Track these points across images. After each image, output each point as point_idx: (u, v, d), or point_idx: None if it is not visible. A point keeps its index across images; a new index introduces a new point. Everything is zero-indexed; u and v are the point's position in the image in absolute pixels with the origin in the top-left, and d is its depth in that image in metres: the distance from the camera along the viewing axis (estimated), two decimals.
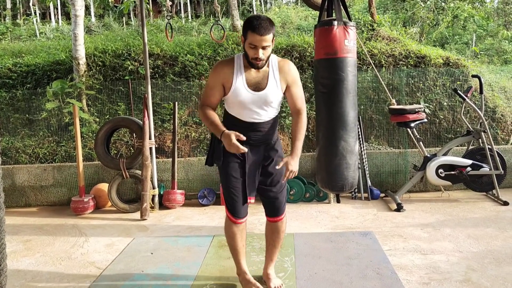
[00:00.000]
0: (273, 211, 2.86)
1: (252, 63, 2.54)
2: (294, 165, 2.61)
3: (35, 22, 10.96)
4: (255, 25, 2.43)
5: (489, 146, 4.92)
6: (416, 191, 5.37)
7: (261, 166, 2.79)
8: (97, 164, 5.40)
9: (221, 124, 2.59)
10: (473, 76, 5.38)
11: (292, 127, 2.75)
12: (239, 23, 7.48)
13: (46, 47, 7.36)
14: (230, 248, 2.92)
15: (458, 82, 5.89)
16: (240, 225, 2.81)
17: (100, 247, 3.91)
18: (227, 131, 2.53)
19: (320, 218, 4.55)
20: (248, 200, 2.74)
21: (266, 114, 2.68)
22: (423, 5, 9.78)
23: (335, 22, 3.41)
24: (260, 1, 13.17)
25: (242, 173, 2.72)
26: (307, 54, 6.06)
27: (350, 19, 3.61)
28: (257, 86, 2.60)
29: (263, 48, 2.47)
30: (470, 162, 4.87)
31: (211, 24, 7.28)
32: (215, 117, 2.63)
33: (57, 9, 12.76)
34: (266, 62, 2.56)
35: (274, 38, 2.56)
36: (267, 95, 2.61)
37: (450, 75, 5.94)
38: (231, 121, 2.71)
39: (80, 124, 5.20)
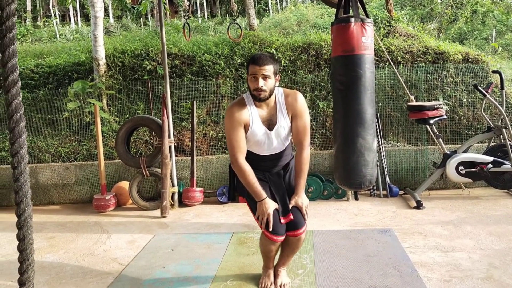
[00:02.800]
0: (292, 225, 2.70)
1: (254, 95, 2.59)
2: (301, 201, 2.71)
3: (55, 24, 11.16)
4: (255, 57, 2.56)
5: (511, 143, 4.85)
6: (435, 189, 5.32)
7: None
8: (117, 162, 5.50)
9: (261, 189, 2.64)
10: (494, 71, 5.31)
11: (295, 161, 2.76)
12: (256, 22, 7.50)
13: (67, 48, 7.50)
14: (263, 255, 2.92)
15: (478, 79, 5.82)
16: (277, 243, 2.73)
17: (122, 244, 3.99)
18: (267, 199, 2.62)
19: (338, 215, 4.56)
20: (283, 220, 2.66)
21: (281, 146, 2.78)
22: (440, 1, 9.66)
23: (352, 19, 3.40)
24: (276, 0, 13.17)
25: (269, 190, 2.76)
26: (324, 51, 6.05)
27: (367, 16, 3.60)
28: (269, 123, 2.68)
29: (263, 78, 2.52)
30: (491, 159, 4.81)
31: (228, 23, 7.33)
32: (255, 178, 2.64)
33: (76, 11, 12.97)
34: (269, 94, 2.59)
35: (278, 73, 2.61)
36: (279, 130, 2.68)
37: (470, 71, 5.87)
38: (251, 157, 2.74)
39: (100, 124, 5.30)
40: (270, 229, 2.61)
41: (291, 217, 2.67)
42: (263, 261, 3.01)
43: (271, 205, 2.62)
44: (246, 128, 2.65)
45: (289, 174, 2.85)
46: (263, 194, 2.63)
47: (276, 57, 2.70)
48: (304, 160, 2.70)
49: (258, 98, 2.59)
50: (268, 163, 2.80)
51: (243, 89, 5.94)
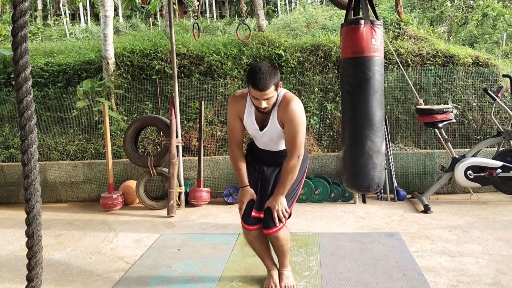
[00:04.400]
0: (264, 223, 2.75)
1: (257, 108, 2.62)
2: (275, 204, 2.68)
3: (65, 22, 11.24)
4: (255, 80, 2.46)
5: None
6: (443, 193, 5.29)
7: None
8: (125, 161, 5.52)
9: (245, 177, 2.78)
10: (504, 76, 5.27)
11: (282, 167, 2.70)
12: (264, 23, 7.50)
13: (77, 47, 7.55)
14: (252, 249, 2.99)
15: (488, 83, 5.77)
16: (251, 231, 2.78)
17: (129, 243, 4.00)
18: (247, 188, 2.77)
19: (345, 218, 4.54)
20: (254, 213, 2.73)
21: (277, 146, 2.81)
22: (450, 4, 9.60)
23: (362, 21, 3.39)
24: (285, 1, 13.18)
25: (257, 181, 2.84)
26: (332, 53, 6.04)
27: (377, 18, 3.59)
28: (262, 124, 2.71)
29: (265, 99, 2.52)
30: (500, 163, 4.76)
31: (237, 24, 7.33)
32: (242, 166, 2.79)
33: (86, 10, 13.05)
34: (272, 106, 2.61)
35: (279, 84, 2.58)
36: (269, 132, 2.70)
37: (480, 75, 5.83)
38: (253, 145, 2.90)
39: (109, 123, 5.32)
40: (241, 216, 2.78)
41: (261, 215, 2.74)
42: (260, 259, 3.03)
43: (248, 195, 2.77)
44: (242, 119, 2.75)
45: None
46: (246, 182, 2.78)
47: (275, 66, 2.63)
48: (287, 168, 2.65)
49: (262, 112, 2.64)
50: (265, 156, 2.87)
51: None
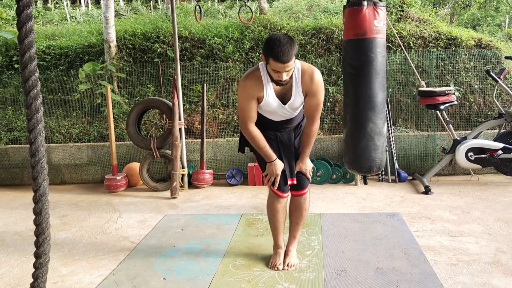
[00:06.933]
0: (297, 185, 2.93)
1: (276, 82, 2.58)
2: (305, 167, 2.91)
3: (65, 6, 11.16)
4: (277, 53, 2.41)
5: None
6: (444, 174, 5.32)
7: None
8: (128, 144, 5.56)
9: (271, 151, 2.80)
10: (507, 57, 5.25)
11: (303, 131, 2.89)
12: (266, 6, 7.45)
13: (78, 30, 7.52)
14: (271, 224, 3.06)
15: (490, 65, 5.75)
16: (283, 199, 2.93)
17: (133, 223, 4.06)
18: (277, 161, 2.80)
19: (346, 199, 4.58)
20: (290, 181, 2.88)
21: (295, 114, 2.84)
22: None
23: (365, 2, 3.38)
24: None
25: (278, 150, 2.88)
26: (334, 36, 6.02)
27: None
28: (283, 98, 2.70)
29: (286, 71, 2.49)
30: (501, 145, 4.78)
31: (239, 7, 7.28)
32: (265, 142, 2.79)
33: None
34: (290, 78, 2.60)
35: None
36: (293, 104, 2.73)
37: (482, 57, 5.80)
38: (263, 120, 2.84)
39: (111, 105, 5.34)
40: (276, 187, 2.85)
41: (295, 181, 2.89)
42: (272, 237, 3.09)
43: (279, 167, 2.82)
44: (259, 100, 2.70)
45: (299, 137, 2.95)
46: (273, 156, 2.80)
47: (291, 37, 2.62)
48: (312, 132, 2.83)
49: (281, 85, 2.60)
50: (279, 126, 2.89)
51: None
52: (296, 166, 2.90)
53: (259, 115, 2.80)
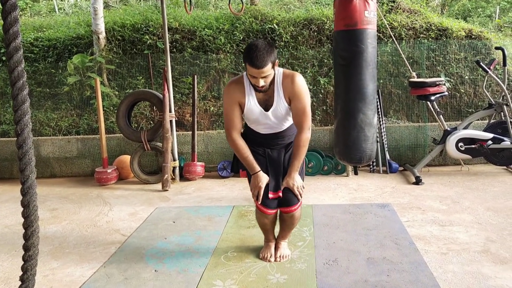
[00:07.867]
0: (284, 201, 2.81)
1: (254, 87, 2.59)
2: (293, 182, 2.73)
3: None
4: (252, 58, 2.43)
5: (511, 120, 4.85)
6: (435, 165, 5.36)
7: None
8: (119, 136, 5.52)
9: (255, 163, 2.73)
10: (497, 48, 5.28)
11: (293, 142, 2.77)
12: None
13: (66, 22, 7.41)
14: (260, 227, 3.03)
15: (481, 56, 5.78)
16: (269, 215, 2.84)
17: (124, 216, 4.04)
18: (260, 173, 2.72)
19: (338, 190, 4.60)
20: (271, 195, 2.76)
21: (282, 126, 2.78)
22: None
23: None
24: None
25: (265, 166, 2.81)
26: (326, 27, 6.00)
27: None
28: (266, 105, 2.68)
29: (263, 78, 2.49)
30: (491, 135, 4.82)
31: None
32: (248, 152, 2.73)
33: None
34: (270, 85, 2.58)
35: (276, 62, 2.55)
36: (276, 111, 2.68)
37: (473, 48, 5.82)
38: (251, 133, 2.83)
39: (101, 98, 5.28)
40: (259, 202, 2.75)
41: (280, 194, 2.77)
42: (263, 234, 3.08)
43: (263, 179, 2.73)
44: (242, 106, 2.69)
45: (290, 153, 2.85)
46: (257, 167, 2.74)
47: (272, 44, 2.59)
48: (301, 142, 2.70)
49: (259, 91, 2.61)
50: (268, 141, 2.83)
51: (244, 64, 5.90)
52: (283, 181, 2.77)
53: (247, 127, 2.80)
